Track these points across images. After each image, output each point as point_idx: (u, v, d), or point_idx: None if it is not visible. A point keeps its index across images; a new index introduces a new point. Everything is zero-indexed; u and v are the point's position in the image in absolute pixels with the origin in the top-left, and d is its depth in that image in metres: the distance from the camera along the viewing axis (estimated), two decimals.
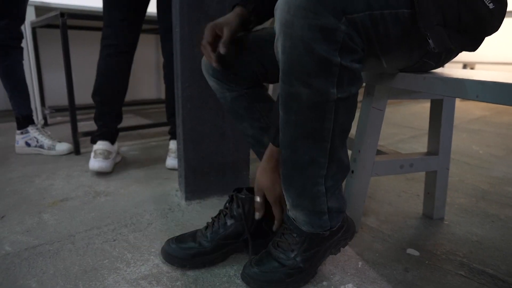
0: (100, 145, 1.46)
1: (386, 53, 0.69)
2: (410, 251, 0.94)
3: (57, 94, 2.76)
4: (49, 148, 1.71)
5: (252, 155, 1.37)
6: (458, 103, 3.87)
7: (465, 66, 4.24)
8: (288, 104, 0.65)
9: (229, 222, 0.87)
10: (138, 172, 1.49)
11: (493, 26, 0.68)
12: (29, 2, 2.18)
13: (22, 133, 1.72)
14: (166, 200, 1.23)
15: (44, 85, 2.52)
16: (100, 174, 1.45)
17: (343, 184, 0.81)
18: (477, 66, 4.33)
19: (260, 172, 0.82)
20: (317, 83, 0.61)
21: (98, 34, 2.74)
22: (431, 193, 1.12)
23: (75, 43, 2.76)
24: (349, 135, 1.07)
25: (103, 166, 1.41)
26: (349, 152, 0.96)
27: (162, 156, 1.73)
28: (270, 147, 0.80)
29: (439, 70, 0.84)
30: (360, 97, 3.06)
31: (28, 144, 1.71)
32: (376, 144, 0.96)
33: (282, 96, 0.66)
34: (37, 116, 2.38)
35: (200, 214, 1.13)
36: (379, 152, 1.16)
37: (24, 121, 1.73)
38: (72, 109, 1.69)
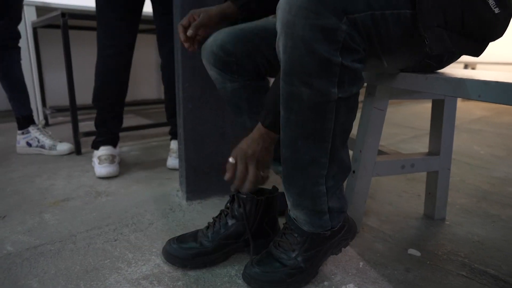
0: (104, 151, 1.46)
1: (387, 53, 0.69)
2: (411, 251, 0.94)
3: (58, 94, 2.76)
4: (50, 148, 1.71)
5: None
6: (459, 103, 3.86)
7: (466, 66, 4.24)
8: (289, 104, 0.65)
9: (230, 222, 0.87)
10: (139, 172, 1.49)
11: (497, 31, 0.67)
12: (30, 2, 2.19)
13: (23, 133, 1.72)
14: (167, 200, 1.23)
15: (45, 85, 2.52)
16: None
17: (344, 184, 0.81)
18: (478, 66, 4.33)
19: (245, 141, 0.80)
20: (318, 83, 0.61)
21: None
22: (432, 193, 1.12)
23: (76, 43, 2.76)
24: (350, 135, 1.07)
25: (110, 171, 1.41)
26: (350, 152, 0.96)
27: (163, 156, 1.73)
28: (260, 126, 0.79)
29: (440, 70, 0.84)
30: (361, 97, 3.05)
31: (29, 144, 1.72)
32: (377, 144, 0.96)
33: (283, 96, 0.66)
34: (38, 116, 2.38)
35: (201, 214, 1.13)
36: (380, 152, 1.16)
37: (25, 121, 1.73)
38: (73, 109, 1.69)
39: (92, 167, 1.52)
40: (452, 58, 0.76)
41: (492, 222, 1.11)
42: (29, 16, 2.21)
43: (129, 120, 2.61)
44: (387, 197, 1.29)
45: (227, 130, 1.21)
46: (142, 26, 2.30)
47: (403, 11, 0.63)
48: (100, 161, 1.42)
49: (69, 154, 1.73)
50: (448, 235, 1.03)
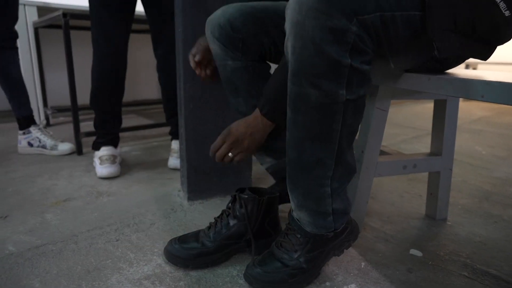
0: (105, 151, 1.46)
1: (394, 54, 0.69)
2: (413, 251, 0.94)
3: (59, 94, 2.76)
4: (52, 148, 1.71)
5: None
6: (460, 103, 3.86)
7: (467, 66, 4.23)
8: (296, 104, 0.65)
9: (232, 222, 0.87)
10: (140, 173, 1.49)
11: (507, 35, 0.66)
12: (31, 3, 2.19)
13: (24, 133, 1.72)
14: (169, 200, 1.23)
15: (46, 85, 2.52)
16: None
17: None
18: (479, 66, 4.32)
19: (239, 123, 0.83)
20: (326, 84, 0.61)
21: None
22: (434, 193, 1.11)
23: (77, 43, 2.76)
24: None
25: (111, 171, 1.41)
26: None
27: (164, 156, 1.73)
28: (257, 112, 0.81)
29: None
30: None
31: (30, 144, 1.72)
32: (379, 145, 0.96)
33: (290, 96, 0.66)
34: (39, 116, 2.38)
35: (203, 214, 1.13)
36: (382, 153, 1.16)
37: (25, 121, 1.73)
38: (74, 109, 1.69)
39: (94, 167, 1.52)
40: (458, 60, 0.75)
41: (494, 223, 1.11)
42: (30, 16, 2.21)
43: (130, 120, 2.61)
44: (388, 198, 1.29)
45: None
46: (142, 26, 2.31)
47: (412, 13, 0.63)
48: (101, 162, 1.42)
49: (70, 154, 1.73)
50: (450, 235, 1.03)
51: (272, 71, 0.99)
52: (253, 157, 1.30)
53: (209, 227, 0.88)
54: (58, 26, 2.29)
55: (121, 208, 1.16)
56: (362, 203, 1.00)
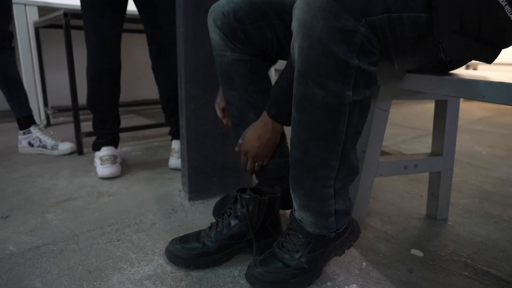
0: (106, 151, 1.46)
1: (400, 55, 0.68)
2: (414, 251, 0.94)
3: (60, 94, 2.77)
4: (52, 148, 1.71)
5: None
6: (460, 103, 3.85)
7: (467, 66, 4.23)
8: (302, 104, 0.65)
9: (233, 222, 0.87)
10: (141, 173, 1.49)
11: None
12: (32, 2, 2.19)
13: (24, 133, 1.72)
14: (169, 200, 1.23)
15: (46, 85, 2.52)
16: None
17: None
18: (479, 66, 4.32)
19: (249, 130, 0.86)
20: (333, 85, 0.61)
21: None
22: (435, 194, 1.12)
23: (78, 43, 2.76)
24: None
25: (112, 171, 1.41)
26: None
27: (164, 156, 1.73)
28: (265, 115, 0.82)
29: None
30: None
31: (31, 144, 1.72)
32: (380, 145, 0.96)
33: (296, 96, 0.66)
34: (40, 116, 2.38)
35: (204, 214, 1.13)
36: (382, 153, 1.16)
37: (25, 121, 1.73)
38: (75, 109, 1.69)
39: (94, 167, 1.52)
40: (461, 62, 0.75)
41: (495, 223, 1.11)
42: (31, 16, 2.21)
43: (130, 120, 2.61)
44: (389, 198, 1.29)
45: None
46: (141, 26, 2.31)
47: (419, 15, 0.63)
48: (102, 162, 1.42)
49: (70, 153, 1.73)
50: (451, 235, 1.03)
51: (271, 71, 0.99)
52: None
53: (210, 227, 0.89)
54: (59, 26, 2.29)
55: (122, 208, 1.16)
56: (363, 203, 1.00)
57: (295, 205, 0.76)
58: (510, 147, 2.07)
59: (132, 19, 1.69)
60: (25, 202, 1.19)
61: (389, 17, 0.60)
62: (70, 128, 2.27)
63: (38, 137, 1.72)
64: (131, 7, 1.55)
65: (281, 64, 2.45)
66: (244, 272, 0.81)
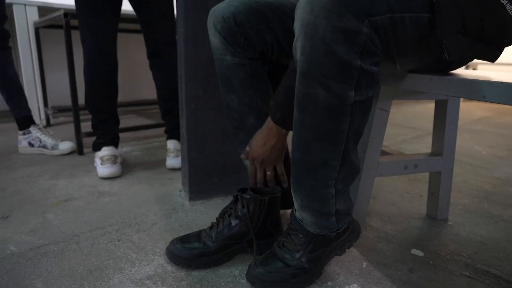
0: (106, 151, 1.46)
1: (402, 56, 0.69)
2: (415, 251, 0.94)
3: (60, 94, 2.77)
4: (52, 148, 1.71)
5: None
6: (460, 103, 3.86)
7: (467, 66, 4.23)
8: (304, 105, 0.65)
9: (234, 222, 0.87)
10: (141, 173, 1.50)
11: None
12: (32, 3, 2.19)
13: (24, 133, 1.72)
14: (170, 200, 1.23)
15: (46, 85, 2.52)
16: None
17: None
18: (479, 67, 4.33)
19: (255, 138, 0.85)
20: (335, 85, 0.61)
21: None
22: (435, 193, 1.12)
23: (78, 43, 2.76)
24: None
25: (112, 171, 1.41)
26: None
27: (165, 156, 1.73)
28: (269, 121, 0.81)
29: None
30: None
31: (31, 145, 1.72)
32: (380, 145, 0.96)
33: (298, 96, 0.65)
34: (40, 116, 2.38)
35: (204, 214, 1.13)
36: (382, 153, 1.16)
37: (25, 122, 1.72)
38: (75, 109, 1.69)
39: (95, 168, 1.52)
40: (461, 62, 0.76)
41: (495, 223, 1.11)
42: (31, 16, 2.21)
43: (130, 120, 2.61)
44: (389, 198, 1.29)
45: (229, 130, 1.22)
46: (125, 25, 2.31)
47: (421, 15, 0.63)
48: (103, 162, 1.42)
49: (70, 153, 1.73)
50: (451, 235, 1.03)
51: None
52: None
53: (211, 227, 0.89)
54: (59, 26, 2.29)
55: (122, 208, 1.16)
56: (364, 203, 1.00)
57: (296, 205, 0.76)
58: (510, 147, 2.08)
59: (131, 19, 1.69)
60: (25, 202, 1.20)
61: (392, 18, 0.60)
62: (70, 128, 2.27)
63: (38, 137, 1.72)
64: (131, 7, 1.55)
65: None
66: (245, 272, 0.81)
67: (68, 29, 1.61)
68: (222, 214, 0.89)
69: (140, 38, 3.04)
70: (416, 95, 0.97)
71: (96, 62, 1.42)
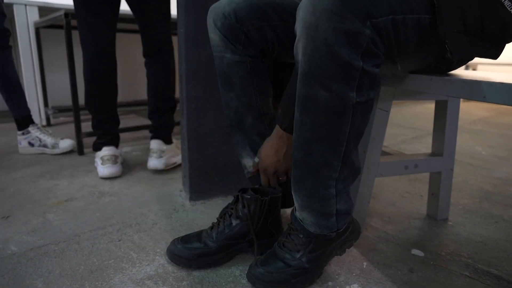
0: (107, 151, 1.46)
1: (403, 57, 0.69)
2: (415, 251, 0.94)
3: (60, 95, 2.77)
4: (53, 147, 1.71)
5: None
6: (460, 104, 3.86)
7: (467, 67, 4.24)
8: (305, 106, 0.65)
9: (235, 222, 0.87)
10: (141, 173, 1.50)
11: None
12: (32, 3, 2.19)
13: (23, 134, 1.71)
14: (170, 200, 1.23)
15: (47, 85, 2.52)
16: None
17: None
18: (479, 67, 4.33)
19: (265, 147, 0.84)
20: (337, 86, 0.61)
21: None
22: (435, 194, 1.12)
23: (79, 43, 2.76)
24: None
25: (113, 171, 1.41)
26: None
27: None
28: (278, 129, 0.81)
29: None
30: None
31: (31, 144, 1.72)
32: (381, 145, 0.97)
33: (299, 97, 0.66)
34: (40, 116, 2.38)
35: (205, 214, 1.13)
36: (383, 153, 1.16)
37: (24, 122, 1.72)
38: (75, 110, 1.69)
39: (95, 167, 1.52)
40: (462, 61, 0.76)
41: (495, 223, 1.12)
42: (31, 16, 2.21)
43: (130, 120, 2.61)
44: (389, 198, 1.30)
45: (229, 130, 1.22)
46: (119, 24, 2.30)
47: (423, 16, 0.63)
48: (103, 162, 1.42)
49: (71, 152, 1.73)
50: (451, 235, 1.03)
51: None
52: None
53: (211, 227, 0.89)
54: (59, 26, 2.30)
55: (123, 208, 1.16)
56: (364, 203, 1.00)
57: (296, 205, 0.76)
58: (510, 147, 2.08)
59: (131, 19, 1.69)
60: (26, 202, 1.20)
61: (394, 19, 0.61)
62: (71, 128, 2.27)
63: (37, 137, 1.72)
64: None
65: None
66: (246, 272, 0.81)
67: (68, 29, 1.61)
68: (223, 214, 0.89)
69: (139, 38, 3.04)
70: (416, 95, 0.98)
71: (95, 62, 1.42)
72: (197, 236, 0.88)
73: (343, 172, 0.70)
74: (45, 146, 1.71)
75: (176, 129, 2.35)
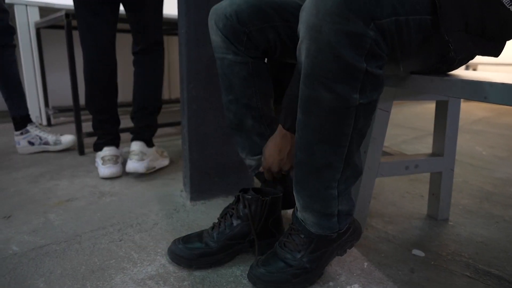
0: (107, 151, 1.46)
1: (405, 58, 0.69)
2: (416, 252, 0.94)
3: (61, 95, 2.77)
4: (55, 144, 1.71)
5: None
6: (461, 104, 3.86)
7: (467, 67, 4.24)
8: (308, 107, 0.65)
9: (236, 222, 0.87)
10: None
11: None
12: (33, 3, 2.19)
13: (22, 133, 1.71)
14: (171, 200, 1.23)
15: (47, 86, 2.52)
16: None
17: None
18: (479, 67, 4.33)
19: (269, 146, 0.85)
20: (340, 88, 0.61)
21: None
22: (436, 194, 1.12)
23: (79, 43, 2.76)
24: None
25: (114, 171, 1.41)
26: None
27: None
28: (280, 129, 0.81)
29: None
30: None
31: (31, 143, 1.71)
32: (381, 145, 0.97)
33: (302, 99, 0.66)
34: (41, 116, 2.39)
35: (205, 214, 1.13)
36: (383, 153, 1.16)
37: (22, 121, 1.72)
38: (76, 110, 1.70)
39: (96, 168, 1.53)
40: (462, 61, 0.76)
41: (496, 223, 1.12)
42: (32, 16, 2.22)
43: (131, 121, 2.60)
44: (390, 198, 1.30)
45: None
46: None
47: (425, 17, 0.63)
48: (104, 162, 1.42)
49: (72, 153, 1.73)
50: (452, 235, 1.03)
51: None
52: None
53: (212, 227, 0.89)
54: (60, 27, 2.30)
55: (124, 208, 1.16)
56: (365, 204, 1.00)
57: (298, 206, 0.76)
58: (510, 147, 2.08)
59: None
60: (27, 202, 1.20)
61: (397, 20, 0.61)
62: (71, 128, 2.28)
63: (37, 135, 1.71)
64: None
65: None
66: (247, 272, 0.82)
67: (69, 29, 1.61)
68: (224, 214, 0.89)
69: None
70: (416, 95, 0.98)
71: (95, 62, 1.43)
72: (198, 236, 0.88)
73: (345, 173, 0.70)
74: (46, 143, 1.71)
75: (176, 129, 2.35)
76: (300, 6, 0.84)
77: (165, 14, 2.27)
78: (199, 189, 1.22)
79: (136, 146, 1.45)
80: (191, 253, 0.84)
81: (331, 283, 0.80)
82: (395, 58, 0.68)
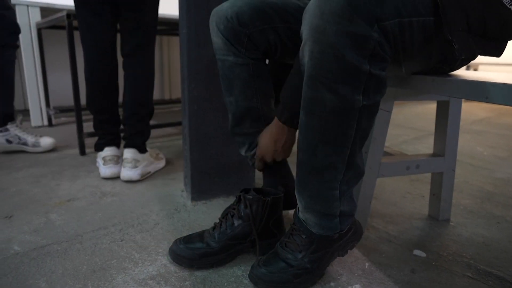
0: (108, 151, 1.46)
1: (408, 59, 0.69)
2: (417, 252, 0.94)
3: (62, 95, 2.77)
4: (34, 145, 1.71)
5: None
6: (462, 104, 3.86)
7: (468, 67, 4.24)
8: (311, 108, 0.65)
9: (237, 222, 0.87)
10: None
11: None
12: (34, 3, 2.20)
13: (1, 131, 1.70)
14: (172, 200, 1.23)
15: (48, 86, 2.52)
16: None
17: None
18: (480, 67, 4.33)
19: (264, 137, 0.86)
20: (343, 90, 0.61)
21: None
22: (437, 194, 1.12)
23: (80, 44, 2.77)
24: None
25: (115, 171, 1.41)
26: None
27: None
28: (276, 121, 0.82)
29: None
30: None
31: (9, 142, 1.71)
32: (382, 146, 0.97)
33: (305, 100, 0.66)
34: (42, 116, 2.39)
35: (206, 214, 1.13)
36: (384, 154, 1.16)
37: (4, 119, 1.71)
38: (77, 110, 1.70)
39: (97, 168, 1.53)
40: (464, 61, 0.76)
41: (497, 223, 1.12)
42: (33, 17, 2.22)
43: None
44: (391, 198, 1.30)
45: None
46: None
47: (428, 18, 0.64)
48: (105, 162, 1.42)
49: (72, 152, 1.74)
50: (453, 236, 1.03)
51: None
52: None
53: (213, 227, 0.89)
54: (61, 27, 2.30)
55: (125, 208, 1.16)
56: (366, 204, 1.00)
57: (300, 206, 0.77)
58: (511, 147, 2.08)
59: None
60: (28, 202, 1.20)
61: (400, 22, 0.61)
62: (72, 128, 2.28)
63: (16, 135, 1.71)
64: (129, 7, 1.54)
65: None
66: (248, 272, 0.82)
67: (70, 30, 1.61)
68: (225, 214, 0.89)
69: None
70: (417, 95, 0.98)
71: (96, 62, 1.43)
72: (199, 236, 0.88)
73: (347, 174, 0.71)
74: (25, 144, 1.71)
75: (177, 129, 2.35)
76: (300, 7, 0.84)
77: (165, 14, 2.28)
78: (200, 189, 1.22)
79: (129, 153, 1.43)
80: (193, 253, 0.84)
81: (332, 284, 0.80)
82: (397, 60, 0.68)
